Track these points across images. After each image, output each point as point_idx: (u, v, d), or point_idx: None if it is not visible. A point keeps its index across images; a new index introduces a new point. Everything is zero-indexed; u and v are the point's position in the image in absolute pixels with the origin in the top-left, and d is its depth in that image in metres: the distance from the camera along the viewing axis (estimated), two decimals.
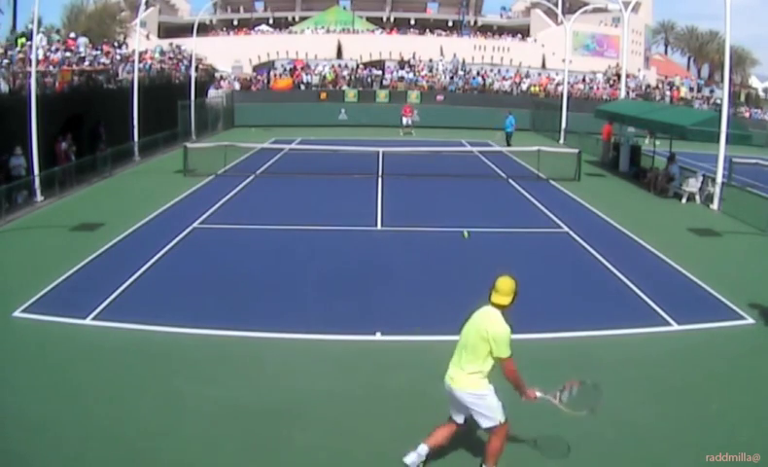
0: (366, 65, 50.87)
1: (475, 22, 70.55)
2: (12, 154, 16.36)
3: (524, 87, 46.41)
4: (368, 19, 67.80)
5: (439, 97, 43.25)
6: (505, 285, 5.38)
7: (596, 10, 57.84)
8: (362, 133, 31.10)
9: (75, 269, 11.06)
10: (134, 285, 10.40)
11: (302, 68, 46.90)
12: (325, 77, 45.79)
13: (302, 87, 44.39)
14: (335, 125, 36.21)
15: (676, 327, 9.08)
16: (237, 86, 43.97)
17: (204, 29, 59.82)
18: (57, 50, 24.08)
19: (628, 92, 37.90)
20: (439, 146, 27.16)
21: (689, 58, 78.29)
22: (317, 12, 67.62)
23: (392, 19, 71.06)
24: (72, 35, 28.53)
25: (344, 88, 43.76)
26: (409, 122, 34.66)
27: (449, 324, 8.95)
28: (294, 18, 70.17)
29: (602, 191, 19.48)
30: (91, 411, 6.69)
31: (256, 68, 53.62)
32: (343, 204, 16.67)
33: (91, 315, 9.06)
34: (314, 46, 56.18)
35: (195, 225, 14.27)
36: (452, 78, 47.09)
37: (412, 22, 70.51)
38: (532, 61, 56.18)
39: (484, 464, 5.63)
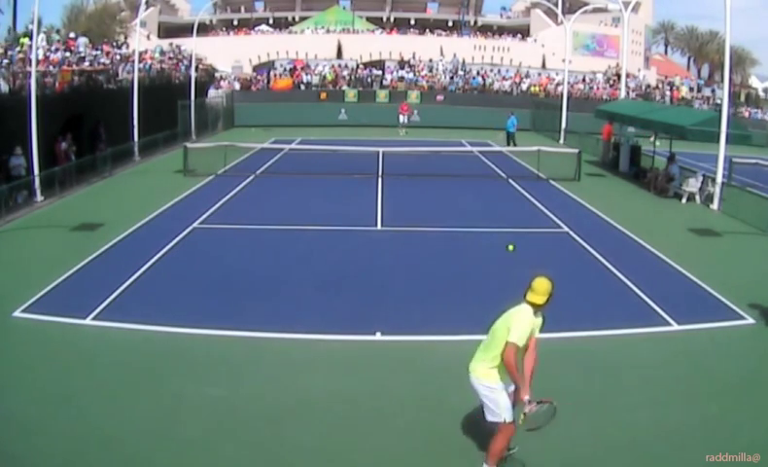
0: (366, 65, 50.88)
1: (475, 22, 70.53)
2: (12, 154, 16.35)
3: (524, 87, 46.44)
4: (368, 19, 67.79)
5: (439, 97, 43.27)
6: (540, 285, 5.49)
7: (596, 10, 57.81)
8: (362, 133, 31.08)
9: (75, 269, 11.06)
10: (134, 285, 10.39)
11: (302, 68, 46.92)
12: (325, 77, 45.81)
13: (302, 87, 44.41)
14: (335, 125, 36.19)
15: (676, 327, 9.08)
16: (237, 86, 43.99)
17: (204, 29, 59.81)
18: (57, 50, 24.08)
19: (628, 92, 37.90)
20: (439, 146, 27.15)
21: (689, 58, 78.29)
22: (317, 12, 67.61)
23: (392, 19, 71.05)
24: (72, 35, 28.53)
25: (344, 88, 43.79)
26: (406, 120, 34.56)
27: (449, 324, 9.00)
28: (294, 18, 70.16)
29: (602, 191, 19.48)
30: (91, 411, 6.68)
31: (256, 68, 53.63)
32: (343, 204, 16.67)
33: (91, 315, 9.05)
34: (314, 46, 56.17)
35: (195, 225, 14.27)
36: (452, 78, 47.11)
37: (412, 22, 70.48)
38: (532, 61, 56.18)
39: (485, 464, 5.63)
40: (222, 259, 12.05)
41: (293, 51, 54.69)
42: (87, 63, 24.32)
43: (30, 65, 17.23)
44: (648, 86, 50.92)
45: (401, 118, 34.55)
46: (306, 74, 45.93)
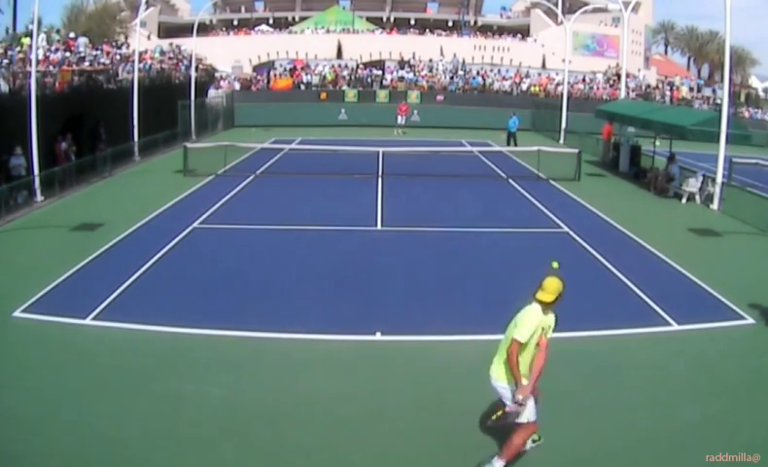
0: (366, 65, 50.90)
1: (475, 22, 70.55)
2: (12, 154, 16.35)
3: (524, 87, 46.46)
4: (368, 19, 67.80)
5: (439, 97, 43.29)
6: (550, 285, 5.50)
7: (596, 10, 57.83)
8: (362, 133, 31.09)
9: (75, 269, 11.06)
10: (134, 285, 10.39)
11: (302, 68, 46.95)
12: (325, 77, 45.83)
13: (302, 87, 44.44)
14: (335, 125, 36.19)
15: (676, 327, 9.08)
16: (237, 86, 44.01)
17: (204, 29, 59.82)
18: (57, 50, 24.08)
19: (628, 92, 37.89)
20: (439, 146, 27.15)
21: (689, 58, 78.28)
22: (317, 12, 67.63)
23: (392, 19, 71.05)
24: (72, 35, 28.53)
25: (344, 88, 43.82)
26: (404, 121, 34.52)
27: (449, 324, 9.00)
28: (294, 18, 70.17)
29: (602, 191, 19.47)
30: (91, 411, 6.68)
31: (256, 68, 53.66)
32: (343, 204, 16.66)
33: (91, 315, 9.05)
34: (314, 46, 56.19)
35: (195, 225, 14.27)
36: (452, 78, 47.13)
37: (412, 22, 70.50)
38: (532, 61, 56.20)
39: (496, 456, 5.64)
40: (222, 259, 12.05)
41: (293, 51, 54.72)
42: (87, 63, 24.33)
43: (30, 65, 17.23)
44: (648, 86, 50.95)
45: (399, 118, 34.51)
46: (306, 74, 45.95)
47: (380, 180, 19.51)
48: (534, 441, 5.99)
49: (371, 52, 56.97)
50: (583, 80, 48.36)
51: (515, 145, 28.04)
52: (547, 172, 21.05)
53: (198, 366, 7.78)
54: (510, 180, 20.66)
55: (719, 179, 17.56)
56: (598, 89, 46.82)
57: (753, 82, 73.58)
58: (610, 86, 46.91)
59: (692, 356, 8.33)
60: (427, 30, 65.06)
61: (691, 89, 53.20)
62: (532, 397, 5.53)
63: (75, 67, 22.83)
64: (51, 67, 21.34)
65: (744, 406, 7.02)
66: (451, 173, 21.10)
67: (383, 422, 6.61)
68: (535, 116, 36.17)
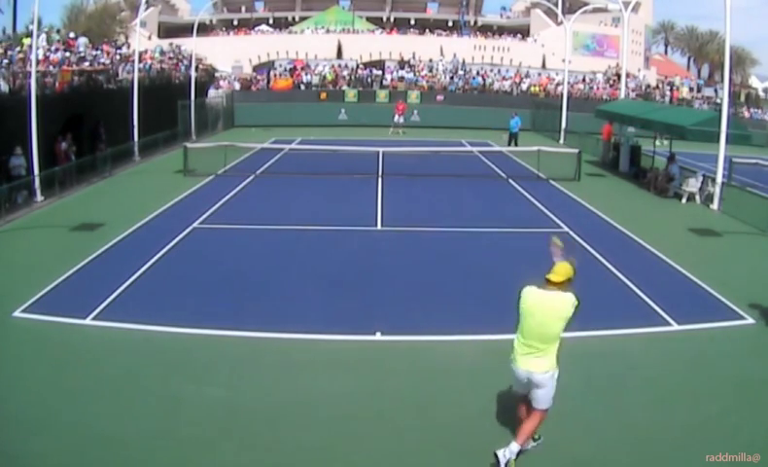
0: (366, 65, 50.90)
1: (475, 22, 70.57)
2: (12, 154, 16.35)
3: (524, 87, 46.45)
4: (368, 19, 67.82)
5: (439, 97, 43.28)
6: (560, 268, 5.66)
7: (596, 10, 57.85)
8: (362, 133, 31.08)
9: (75, 269, 11.06)
10: (134, 285, 10.39)
11: (302, 68, 46.94)
12: (325, 77, 45.83)
13: (302, 87, 44.43)
14: (335, 125, 36.19)
15: (676, 327, 9.08)
16: (237, 86, 44.00)
17: (204, 29, 59.85)
18: (57, 50, 24.08)
19: (628, 93, 37.89)
20: (439, 146, 27.15)
21: (689, 58, 78.29)
22: (317, 12, 67.65)
23: (392, 19, 71.08)
24: (72, 35, 28.53)
25: (344, 88, 43.81)
26: (401, 120, 34.49)
27: (449, 324, 9.00)
28: (294, 18, 70.19)
29: (602, 191, 19.47)
30: (91, 411, 6.68)
31: (256, 68, 53.66)
32: (343, 204, 16.67)
33: (91, 315, 9.05)
34: (314, 46, 56.20)
35: (195, 225, 14.27)
36: (452, 78, 47.12)
37: (412, 22, 70.52)
38: (532, 61, 56.20)
39: (515, 443, 5.70)
40: (222, 259, 12.05)
41: (293, 51, 54.73)
42: (87, 63, 24.32)
43: (30, 65, 17.23)
44: (648, 86, 50.95)
45: (396, 117, 34.46)
46: (306, 74, 45.94)
47: (380, 180, 19.51)
48: (534, 440, 6.00)
49: (371, 52, 56.98)
50: (583, 80, 48.35)
51: (515, 145, 28.01)
52: (547, 172, 21.06)
53: (198, 366, 7.78)
54: (510, 180, 20.66)
55: (719, 179, 17.56)
56: (598, 89, 46.82)
57: (753, 82, 73.56)
58: (610, 86, 46.90)
59: (692, 356, 8.33)
60: (427, 30, 65.07)
61: (691, 90, 53.19)
62: (553, 386, 5.65)
63: (75, 67, 22.83)
64: (51, 67, 21.34)
65: (744, 406, 7.02)
66: (451, 173, 21.10)
67: (383, 422, 6.61)
68: (535, 116, 36.17)
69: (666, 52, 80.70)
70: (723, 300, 10.12)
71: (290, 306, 9.69)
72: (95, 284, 10.27)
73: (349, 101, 41.52)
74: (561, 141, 31.18)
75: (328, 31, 61.14)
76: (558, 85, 43.57)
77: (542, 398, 5.68)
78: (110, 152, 20.83)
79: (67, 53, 24.13)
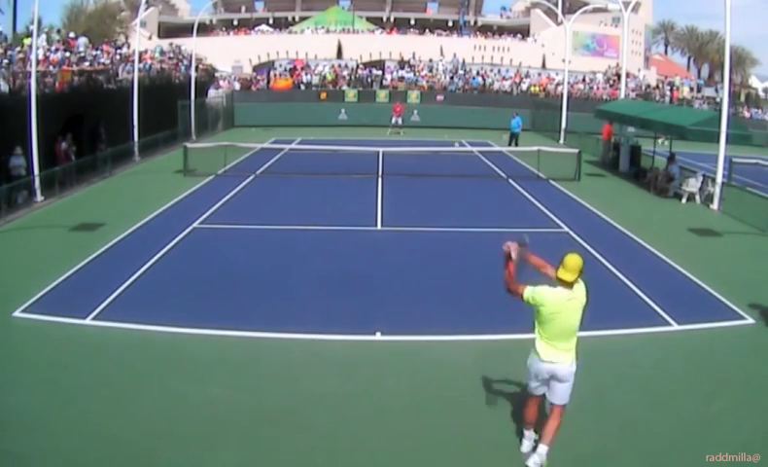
0: (366, 65, 50.92)
1: (475, 22, 70.59)
2: (12, 154, 16.34)
3: (524, 87, 46.48)
4: (368, 19, 67.85)
5: (439, 97, 43.31)
6: (570, 261, 5.62)
7: (596, 10, 57.87)
8: (362, 133, 31.09)
9: (75, 269, 11.06)
10: (134, 285, 10.39)
11: (302, 68, 46.96)
12: (325, 77, 45.85)
13: (302, 87, 44.46)
14: (335, 125, 36.18)
15: (676, 327, 9.08)
16: (237, 86, 44.02)
17: (204, 29, 59.88)
18: (57, 50, 24.08)
19: (628, 93, 37.89)
20: (439, 146, 27.15)
21: (689, 58, 78.31)
22: (317, 12, 67.68)
23: (392, 19, 71.10)
24: (72, 35, 28.53)
25: (344, 88, 43.84)
26: (399, 121, 34.53)
27: (449, 324, 9.00)
28: (294, 18, 70.22)
29: (602, 191, 19.47)
30: (91, 411, 6.69)
31: (256, 68, 53.69)
32: (343, 204, 16.66)
33: (91, 315, 9.05)
34: (314, 46, 56.23)
35: (195, 225, 14.27)
36: (452, 78, 47.14)
37: (412, 22, 70.55)
38: (532, 61, 56.22)
39: (541, 444, 5.73)
40: (222, 259, 12.05)
41: (293, 51, 54.75)
42: (87, 63, 24.31)
43: (30, 65, 17.23)
44: (648, 86, 50.95)
45: (394, 119, 34.51)
46: (306, 74, 45.96)
47: (380, 180, 19.51)
48: (535, 441, 6.00)
49: (371, 52, 57.00)
50: (583, 80, 48.36)
51: (516, 145, 27.99)
52: (547, 172, 21.05)
53: (198, 366, 7.78)
54: (510, 180, 20.66)
55: (719, 179, 17.56)
56: (598, 89, 46.83)
57: (753, 82, 73.58)
58: (610, 86, 46.91)
59: (692, 356, 8.33)
60: (427, 30, 65.11)
61: (692, 89, 53.20)
62: (570, 383, 5.66)
63: (75, 67, 22.81)
64: (51, 67, 21.33)
65: (744, 406, 7.01)
66: (451, 173, 21.10)
67: (383, 422, 6.61)
68: (535, 116, 36.17)
69: (666, 52, 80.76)
70: (723, 300, 10.12)
71: (290, 306, 9.68)
72: (95, 284, 10.28)
73: (349, 101, 41.54)
74: (561, 141, 31.17)
75: (328, 31, 61.17)
76: (558, 85, 43.58)
77: (564, 393, 5.69)
78: (110, 152, 20.82)
79: (67, 53, 24.12)
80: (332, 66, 48.10)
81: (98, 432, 6.28)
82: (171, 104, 27.85)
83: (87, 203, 16.58)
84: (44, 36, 25.73)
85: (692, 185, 18.26)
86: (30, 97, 16.16)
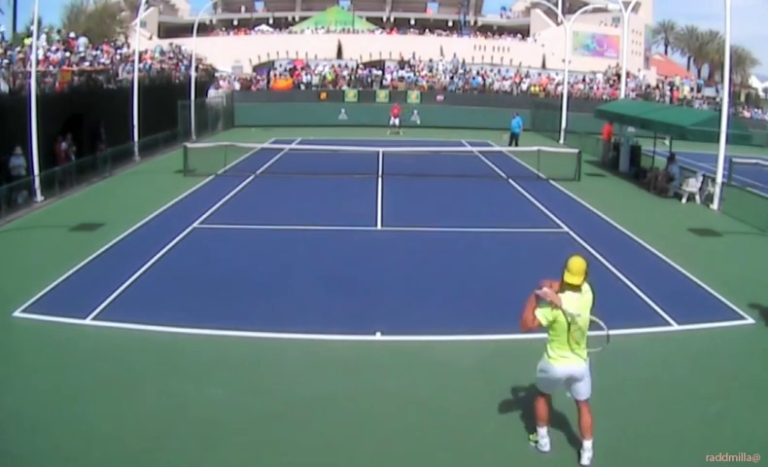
0: (366, 65, 50.91)
1: (475, 22, 70.60)
2: (12, 154, 16.35)
3: (524, 87, 46.47)
4: (368, 19, 67.86)
5: (439, 97, 43.31)
6: (574, 265, 5.67)
7: (596, 10, 57.88)
8: (362, 133, 31.09)
9: (75, 269, 11.05)
10: (134, 285, 10.39)
11: (302, 68, 46.95)
12: (325, 77, 45.84)
13: (302, 87, 44.45)
14: (335, 125, 36.20)
15: (676, 327, 9.07)
16: (237, 86, 44.02)
17: (204, 29, 59.88)
18: (57, 50, 24.08)
19: (628, 93, 37.88)
20: (439, 146, 27.15)
21: (689, 58, 78.33)
22: (317, 12, 67.70)
23: (392, 19, 71.11)
24: (72, 35, 28.54)
25: (344, 88, 43.84)
26: (397, 122, 34.60)
27: (449, 324, 8.99)
28: (294, 18, 70.23)
29: (602, 191, 19.47)
30: (91, 411, 6.68)
31: (256, 68, 53.68)
32: (343, 204, 16.67)
33: (91, 315, 9.05)
34: (314, 46, 56.23)
35: (195, 225, 14.27)
36: (452, 78, 47.13)
37: (412, 22, 70.56)
38: (532, 61, 56.22)
39: (584, 440, 5.81)
40: (222, 259, 12.05)
41: (293, 51, 54.75)
42: (87, 63, 24.32)
43: (30, 65, 17.23)
44: (648, 86, 50.95)
45: (392, 120, 34.58)
46: (306, 74, 45.96)
47: (380, 180, 19.51)
48: (535, 441, 6.00)
49: (371, 52, 57.00)
50: (583, 80, 48.35)
51: (516, 145, 27.99)
52: (547, 172, 21.05)
53: (198, 366, 7.78)
54: (510, 180, 20.67)
55: (719, 179, 17.56)
56: (598, 89, 46.83)
57: (753, 82, 73.60)
58: (610, 86, 46.91)
59: (692, 356, 8.33)
60: (427, 30, 65.12)
61: (692, 90, 53.20)
62: (589, 377, 5.76)
63: (75, 67, 22.82)
64: (51, 67, 21.33)
65: (744, 406, 7.01)
66: (451, 173, 21.10)
67: (383, 422, 6.60)
68: (535, 116, 36.18)
69: (666, 52, 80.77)
70: (723, 300, 10.11)
71: (290, 307, 9.68)
72: (95, 284, 10.27)
73: (349, 101, 41.54)
74: (561, 141, 31.18)
75: (328, 31, 61.17)
76: (558, 85, 43.57)
77: (586, 389, 5.79)
78: (110, 152, 20.83)
79: (67, 53, 24.13)
80: (332, 66, 48.10)
81: (98, 432, 6.27)
82: (171, 104, 27.86)
83: (87, 203, 16.58)
84: (44, 36, 25.72)
85: (692, 185, 18.25)
86: (30, 97, 16.16)
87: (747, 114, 48.00)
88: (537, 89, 45.77)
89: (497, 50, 60.73)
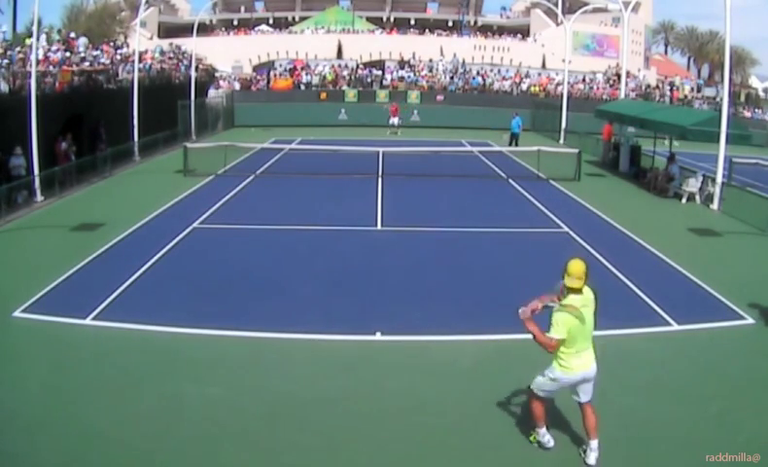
0: (366, 65, 50.90)
1: (475, 22, 70.60)
2: (12, 154, 16.35)
3: (524, 87, 46.45)
4: (368, 19, 67.85)
5: (439, 97, 43.30)
6: (574, 268, 5.69)
7: (596, 10, 57.86)
8: (362, 133, 31.09)
9: (75, 269, 11.05)
10: (134, 285, 10.39)
11: (302, 68, 46.94)
12: (325, 77, 45.83)
13: (302, 87, 44.43)
14: (335, 125, 36.20)
15: (676, 327, 9.07)
16: (237, 86, 44.00)
17: (204, 29, 59.87)
18: (57, 50, 24.08)
19: (628, 93, 37.88)
20: (439, 146, 27.14)
21: (689, 58, 78.32)
22: (317, 12, 67.69)
23: (392, 19, 71.10)
24: (72, 35, 28.54)
25: (344, 88, 43.83)
26: (395, 121, 34.62)
27: (449, 324, 8.99)
28: (294, 18, 70.23)
29: (602, 191, 19.47)
30: (90, 411, 6.68)
31: (256, 68, 53.66)
32: (343, 204, 16.66)
33: (91, 315, 9.05)
34: (314, 46, 56.21)
35: (195, 225, 14.27)
36: (452, 78, 47.13)
37: (412, 22, 70.55)
38: (532, 61, 56.20)
39: (590, 440, 5.84)
40: (222, 259, 12.04)
41: (293, 51, 54.73)
42: (87, 63, 24.31)
43: (30, 65, 17.23)
44: (648, 86, 50.93)
45: (391, 120, 34.61)
46: (306, 74, 45.95)
47: (380, 180, 19.52)
48: (537, 442, 6.00)
49: (371, 52, 56.98)
50: (583, 80, 48.34)
51: (516, 145, 27.98)
52: (547, 172, 21.05)
53: (198, 366, 7.78)
54: (510, 180, 20.67)
55: (719, 179, 17.55)
56: (598, 89, 46.81)
57: (753, 82, 73.60)
58: (611, 86, 46.89)
59: (692, 356, 8.33)
60: (427, 30, 65.11)
61: (692, 90, 53.19)
62: (593, 380, 5.81)
63: (75, 67, 22.82)
64: (51, 67, 21.33)
65: (744, 406, 7.01)
66: (451, 173, 21.10)
67: (383, 422, 6.60)
68: (535, 116, 36.18)
69: (666, 52, 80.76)
70: (723, 300, 10.11)
71: (290, 306, 9.68)
72: (95, 284, 10.27)
73: (349, 101, 41.53)
74: (561, 141, 31.18)
75: (328, 31, 61.15)
76: (558, 85, 43.56)
77: (591, 390, 5.85)
78: (110, 152, 20.84)
79: (67, 53, 24.12)
80: (332, 66, 48.09)
81: (98, 432, 6.27)
82: (171, 104, 27.87)
83: (87, 203, 16.58)
84: (44, 36, 25.71)
85: (692, 185, 18.25)
86: (30, 97, 16.16)
87: (747, 114, 47.99)
88: (537, 89, 45.77)
89: (497, 50, 60.72)
